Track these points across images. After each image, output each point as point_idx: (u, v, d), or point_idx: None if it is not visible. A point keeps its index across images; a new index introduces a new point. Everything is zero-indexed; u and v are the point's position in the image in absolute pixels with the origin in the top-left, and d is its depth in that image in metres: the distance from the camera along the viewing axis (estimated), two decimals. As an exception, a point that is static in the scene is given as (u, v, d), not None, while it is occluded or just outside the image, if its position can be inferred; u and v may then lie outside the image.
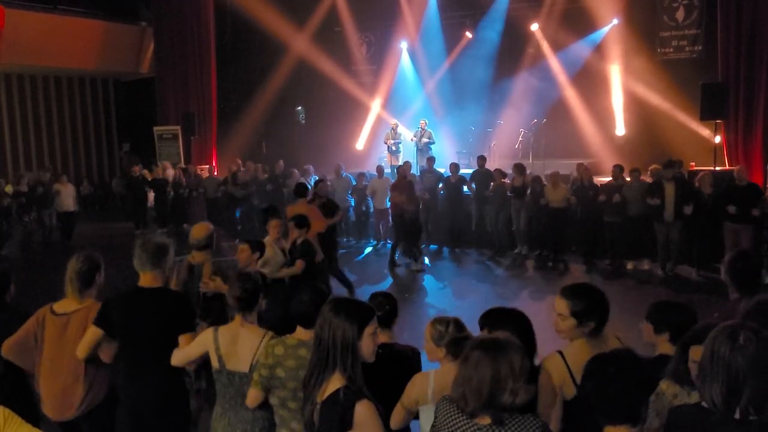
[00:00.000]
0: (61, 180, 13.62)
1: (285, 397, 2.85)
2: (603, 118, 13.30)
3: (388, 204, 11.79)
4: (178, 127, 16.71)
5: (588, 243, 10.48)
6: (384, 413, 2.36)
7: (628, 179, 10.16)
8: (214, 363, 3.08)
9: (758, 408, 1.89)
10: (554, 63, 13.95)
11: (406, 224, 10.52)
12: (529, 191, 10.95)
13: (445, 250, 11.93)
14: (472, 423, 2.13)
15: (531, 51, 14.34)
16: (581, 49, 13.53)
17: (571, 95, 13.64)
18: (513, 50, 14.45)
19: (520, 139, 13.69)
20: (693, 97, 11.22)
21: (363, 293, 8.02)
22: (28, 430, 2.13)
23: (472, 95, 14.27)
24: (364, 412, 2.19)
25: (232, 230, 13.46)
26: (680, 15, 12.48)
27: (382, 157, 14.69)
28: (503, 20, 14.44)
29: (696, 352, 2.34)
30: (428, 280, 10.02)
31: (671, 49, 12.69)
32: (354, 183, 12.93)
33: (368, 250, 12.37)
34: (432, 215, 12.13)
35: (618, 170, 10.15)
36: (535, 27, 14.11)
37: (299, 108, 15.92)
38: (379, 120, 16.01)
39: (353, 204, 12.92)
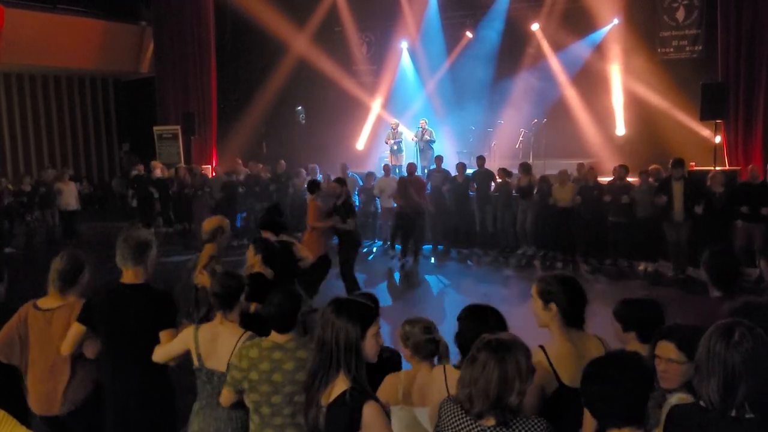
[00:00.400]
0: (64, 179, 13.62)
1: (258, 401, 2.85)
2: (603, 118, 13.29)
3: (395, 203, 11.81)
4: (178, 127, 16.69)
5: (592, 243, 10.42)
6: None
7: (630, 180, 10.13)
8: (194, 361, 3.09)
9: (753, 404, 1.91)
10: (554, 63, 13.94)
11: (406, 220, 10.54)
12: (536, 191, 10.90)
13: (453, 251, 11.89)
14: (477, 424, 2.14)
15: (531, 51, 14.34)
16: (581, 49, 13.53)
17: (572, 95, 13.63)
18: (513, 50, 14.44)
19: (520, 138, 13.70)
20: (693, 97, 11.23)
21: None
22: None
23: (473, 95, 14.26)
24: (371, 413, 2.18)
25: (234, 229, 13.45)
26: (680, 15, 12.49)
27: (383, 157, 14.69)
28: (503, 20, 14.43)
29: (662, 348, 2.35)
30: (432, 280, 10.02)
31: (671, 49, 12.70)
32: (361, 183, 12.90)
33: (375, 250, 12.32)
34: (439, 215, 12.12)
35: (624, 171, 10.12)
36: (535, 27, 14.11)
37: (299, 108, 15.91)
38: (379, 120, 16.00)
39: (357, 204, 12.91)
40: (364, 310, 2.32)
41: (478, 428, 2.13)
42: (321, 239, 7.66)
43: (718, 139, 11.19)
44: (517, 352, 2.13)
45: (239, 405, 2.97)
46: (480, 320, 2.71)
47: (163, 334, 3.21)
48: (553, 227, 10.70)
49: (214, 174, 15.33)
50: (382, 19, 15.82)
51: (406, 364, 2.97)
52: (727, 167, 10.86)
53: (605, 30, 13.26)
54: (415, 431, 2.68)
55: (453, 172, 12.23)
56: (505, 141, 14.09)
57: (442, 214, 12.11)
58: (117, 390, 3.29)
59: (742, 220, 8.71)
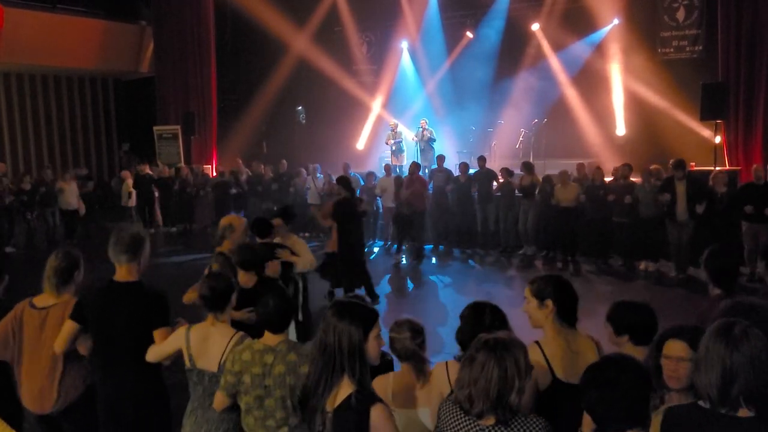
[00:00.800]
0: (65, 178, 13.61)
1: (250, 404, 2.85)
2: (603, 118, 13.30)
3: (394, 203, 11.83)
4: (178, 127, 16.70)
5: (597, 243, 10.40)
6: None
7: (633, 180, 10.13)
8: (186, 361, 3.09)
9: (748, 398, 1.95)
10: (555, 63, 13.95)
11: (401, 219, 10.60)
12: (537, 191, 10.90)
13: (455, 251, 11.88)
14: (477, 424, 2.14)
15: (531, 51, 14.34)
16: (582, 48, 13.54)
17: (572, 95, 13.64)
18: (513, 50, 14.45)
19: (520, 138, 13.70)
20: (693, 97, 11.24)
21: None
22: None
23: (473, 95, 14.26)
24: (379, 415, 2.17)
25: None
26: (681, 15, 12.49)
27: (383, 157, 14.69)
28: (504, 20, 14.43)
29: (671, 347, 2.37)
30: (433, 281, 10.03)
31: (672, 49, 12.70)
32: (363, 182, 12.92)
33: (376, 250, 12.31)
34: (441, 214, 12.11)
35: (627, 170, 10.11)
36: (535, 27, 14.11)
37: (299, 108, 15.93)
38: (379, 120, 16.00)
39: None
40: (367, 312, 2.29)
41: (478, 428, 2.14)
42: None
43: (718, 139, 11.19)
44: (515, 350, 2.13)
45: (231, 407, 2.97)
46: (480, 317, 2.74)
47: (157, 334, 3.20)
48: (555, 227, 10.67)
49: (214, 174, 15.33)
50: (382, 19, 15.82)
51: (399, 366, 2.98)
52: (727, 167, 10.86)
53: (605, 30, 13.26)
54: None
55: (454, 172, 12.22)
56: (505, 141, 14.09)
57: (444, 213, 12.11)
58: (108, 389, 3.28)
59: (747, 221, 8.67)
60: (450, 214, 12.08)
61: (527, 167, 11.21)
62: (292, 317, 3.08)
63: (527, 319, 2.84)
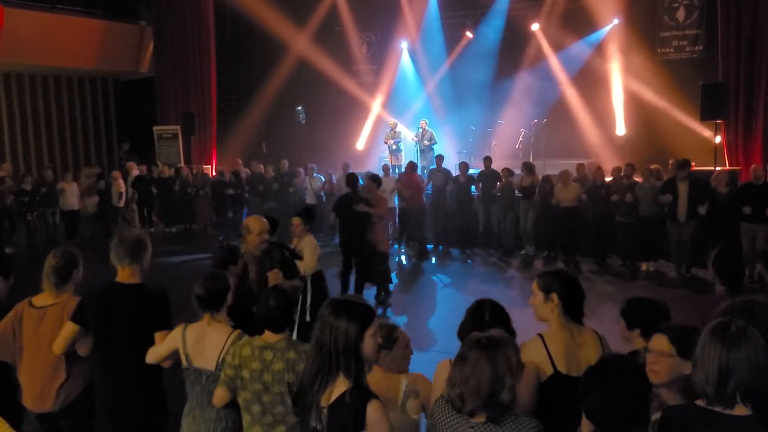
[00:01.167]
0: (66, 178, 13.59)
1: (249, 399, 2.86)
2: (603, 118, 13.30)
3: (396, 202, 11.81)
4: (178, 127, 16.68)
5: (599, 243, 10.39)
6: None
7: (635, 179, 10.13)
8: (183, 361, 3.10)
9: (745, 395, 1.97)
10: (554, 63, 13.96)
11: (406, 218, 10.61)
12: (537, 191, 10.90)
13: (454, 251, 11.88)
14: (468, 422, 2.15)
15: (531, 51, 14.34)
16: (582, 49, 13.55)
17: (572, 95, 13.65)
18: (513, 50, 14.46)
19: (520, 138, 13.70)
20: (693, 97, 11.25)
21: (369, 295, 8.05)
22: None
23: (473, 95, 14.27)
24: (375, 412, 2.17)
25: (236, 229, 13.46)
26: (681, 15, 12.50)
27: (383, 157, 14.68)
28: (504, 20, 14.45)
29: (654, 341, 2.38)
30: (435, 280, 10.02)
31: (672, 49, 12.71)
32: (362, 182, 12.89)
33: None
34: (441, 214, 12.10)
35: (630, 169, 10.11)
36: (535, 27, 14.12)
37: (299, 108, 15.92)
38: (379, 120, 16.01)
39: None
40: (363, 311, 2.28)
41: (469, 426, 2.15)
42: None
43: (718, 139, 11.20)
44: (506, 348, 2.14)
45: (228, 404, 2.98)
46: (480, 314, 2.76)
47: (158, 335, 3.21)
48: (555, 227, 10.67)
49: (214, 174, 15.32)
50: (382, 19, 15.83)
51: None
52: (728, 167, 10.86)
53: (605, 30, 13.27)
54: None
55: (454, 172, 12.22)
56: (505, 141, 14.09)
57: (443, 213, 12.10)
58: (108, 390, 3.29)
59: (745, 222, 8.68)
60: (449, 214, 12.08)
61: (528, 168, 11.20)
62: (296, 318, 3.08)
63: (528, 319, 2.86)
